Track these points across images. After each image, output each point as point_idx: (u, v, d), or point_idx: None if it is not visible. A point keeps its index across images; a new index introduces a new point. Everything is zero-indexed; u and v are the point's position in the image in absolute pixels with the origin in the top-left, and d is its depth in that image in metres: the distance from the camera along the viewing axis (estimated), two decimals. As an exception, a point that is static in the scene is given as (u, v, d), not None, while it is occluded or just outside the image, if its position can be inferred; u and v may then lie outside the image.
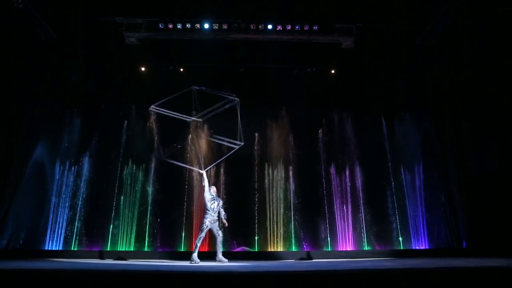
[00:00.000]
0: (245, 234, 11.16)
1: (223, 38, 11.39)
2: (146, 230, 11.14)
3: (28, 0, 9.26)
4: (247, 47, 11.89)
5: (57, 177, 11.09)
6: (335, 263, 7.25)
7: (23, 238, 10.12)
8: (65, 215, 10.87)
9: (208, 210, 7.58)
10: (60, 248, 10.50)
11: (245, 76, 12.95)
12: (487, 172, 9.53)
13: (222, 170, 11.86)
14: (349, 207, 11.45)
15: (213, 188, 8.05)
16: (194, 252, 7.31)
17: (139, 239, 11.09)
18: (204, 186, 7.83)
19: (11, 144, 9.85)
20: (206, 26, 11.05)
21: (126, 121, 12.16)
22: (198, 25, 11.06)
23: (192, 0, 10.72)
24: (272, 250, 10.96)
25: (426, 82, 11.64)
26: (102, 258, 9.44)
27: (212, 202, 7.70)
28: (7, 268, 4.01)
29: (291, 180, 11.74)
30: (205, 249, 11.04)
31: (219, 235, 7.59)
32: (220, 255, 7.49)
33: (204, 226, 7.49)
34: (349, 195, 11.59)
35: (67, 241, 10.71)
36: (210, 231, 7.63)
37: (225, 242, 11.05)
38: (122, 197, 11.33)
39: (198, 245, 7.41)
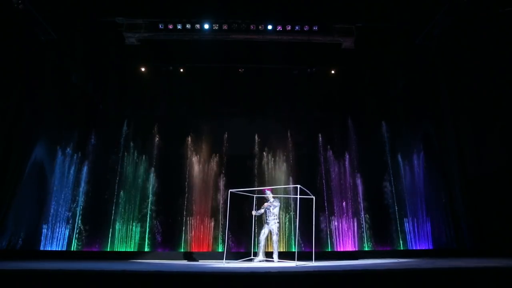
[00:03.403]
0: (245, 235, 11.16)
1: (223, 38, 11.40)
2: (146, 230, 11.13)
3: (28, 0, 9.27)
4: (247, 48, 11.91)
5: (57, 177, 11.08)
6: (335, 263, 7.25)
7: (22, 239, 10.11)
8: (65, 216, 10.86)
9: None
10: (60, 249, 10.49)
11: (245, 76, 12.97)
12: (487, 172, 9.53)
13: (222, 171, 11.87)
14: (350, 207, 11.45)
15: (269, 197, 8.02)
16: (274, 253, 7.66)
17: (141, 239, 11.09)
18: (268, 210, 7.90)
19: (10, 145, 9.84)
20: (206, 26, 11.05)
21: (126, 121, 12.16)
22: (198, 26, 11.07)
23: (192, 1, 10.72)
24: (270, 250, 10.94)
25: (426, 82, 11.65)
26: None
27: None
28: (7, 268, 4.01)
29: (290, 180, 11.74)
30: (206, 249, 11.05)
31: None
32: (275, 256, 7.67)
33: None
34: (349, 195, 11.58)
35: (66, 241, 10.70)
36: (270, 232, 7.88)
37: (225, 242, 11.08)
38: (121, 197, 11.32)
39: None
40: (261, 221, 10.99)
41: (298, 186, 7.22)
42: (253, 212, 8.16)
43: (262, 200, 8.46)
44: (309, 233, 11.06)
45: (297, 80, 13.04)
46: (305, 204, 11.39)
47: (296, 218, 8.15)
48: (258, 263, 7.49)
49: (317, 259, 7.59)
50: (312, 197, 7.74)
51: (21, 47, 10.13)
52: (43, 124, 10.85)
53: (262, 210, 8.05)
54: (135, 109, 13.14)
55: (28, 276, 3.72)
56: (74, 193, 11.11)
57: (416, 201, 11.13)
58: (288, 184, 11.51)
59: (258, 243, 7.87)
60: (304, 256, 8.30)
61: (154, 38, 11.37)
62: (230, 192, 8.00)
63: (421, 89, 11.83)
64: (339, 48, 11.69)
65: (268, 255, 7.90)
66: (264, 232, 7.83)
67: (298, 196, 7.22)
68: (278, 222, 7.80)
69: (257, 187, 11.61)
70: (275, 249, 7.70)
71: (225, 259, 7.69)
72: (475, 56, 9.84)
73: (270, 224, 7.78)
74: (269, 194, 8.02)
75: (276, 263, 7.43)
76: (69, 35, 11.07)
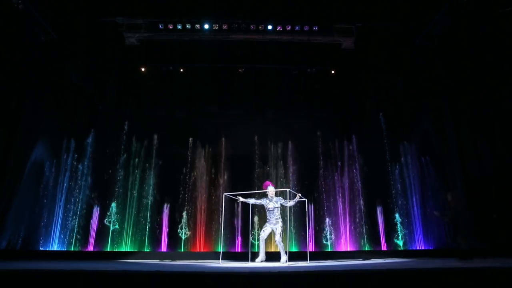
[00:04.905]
0: (245, 235, 11.17)
1: (223, 38, 11.41)
2: (146, 230, 11.13)
3: (28, 1, 9.27)
4: (247, 48, 11.91)
5: (56, 178, 11.07)
6: (335, 263, 7.24)
7: (22, 239, 10.10)
8: (64, 216, 10.86)
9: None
10: (59, 249, 10.49)
11: (245, 77, 12.97)
12: (487, 172, 9.53)
13: (222, 170, 11.86)
14: (349, 207, 11.44)
15: (270, 190, 7.31)
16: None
17: (140, 239, 11.08)
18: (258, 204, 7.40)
19: (10, 145, 9.83)
20: (206, 26, 11.06)
21: (125, 121, 12.15)
22: (198, 26, 11.09)
23: (192, 1, 10.72)
24: (272, 250, 10.96)
25: (426, 82, 11.65)
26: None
27: (267, 204, 7.25)
28: (7, 268, 4.00)
29: (290, 180, 11.74)
30: (206, 249, 11.04)
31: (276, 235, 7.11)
32: (282, 257, 6.93)
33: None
34: (349, 195, 11.58)
35: (66, 241, 10.69)
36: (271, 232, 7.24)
37: (226, 242, 11.09)
38: (121, 197, 11.32)
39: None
40: (260, 221, 11.00)
41: (288, 190, 7.15)
42: (240, 199, 7.51)
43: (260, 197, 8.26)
44: (307, 234, 11.08)
45: (297, 80, 13.04)
46: (305, 206, 11.40)
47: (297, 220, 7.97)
48: (257, 263, 6.86)
49: (316, 259, 7.57)
50: (304, 199, 7.56)
51: (21, 47, 10.13)
52: (42, 124, 10.85)
53: (252, 200, 7.39)
54: (135, 109, 13.13)
55: (28, 276, 3.71)
56: (73, 193, 11.09)
57: (416, 201, 11.13)
58: (288, 184, 11.52)
59: (259, 242, 7.23)
60: (302, 256, 8.29)
61: (154, 38, 11.38)
62: (225, 195, 7.87)
63: (421, 89, 11.83)
64: (339, 48, 11.69)
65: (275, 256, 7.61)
66: (265, 231, 7.09)
67: (288, 200, 7.15)
68: (281, 221, 7.06)
69: (256, 187, 11.64)
70: (281, 250, 6.95)
71: (221, 259, 7.66)
72: (475, 56, 9.84)
73: (272, 224, 7.09)
74: (271, 190, 7.24)
75: (272, 263, 7.30)
76: (69, 35, 11.07)
